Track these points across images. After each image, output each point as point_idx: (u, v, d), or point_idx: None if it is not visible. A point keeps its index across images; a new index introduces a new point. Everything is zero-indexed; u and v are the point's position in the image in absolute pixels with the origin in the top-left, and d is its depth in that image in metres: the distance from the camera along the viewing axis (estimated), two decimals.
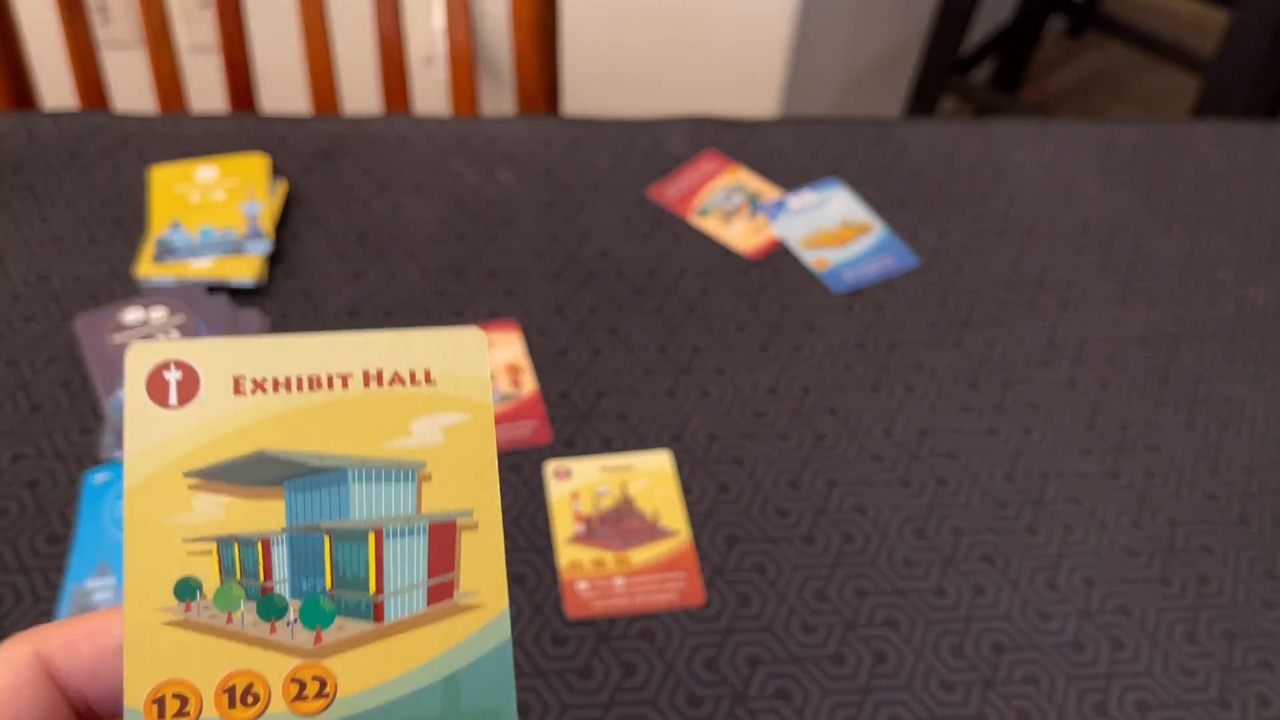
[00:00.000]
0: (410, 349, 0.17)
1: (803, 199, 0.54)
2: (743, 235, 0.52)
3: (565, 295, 0.49)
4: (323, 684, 0.16)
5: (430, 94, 1.13)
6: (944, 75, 1.21)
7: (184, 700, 0.16)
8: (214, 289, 0.47)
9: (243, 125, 0.54)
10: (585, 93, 1.14)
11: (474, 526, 0.17)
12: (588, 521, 0.40)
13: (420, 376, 0.17)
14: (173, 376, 0.16)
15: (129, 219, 0.50)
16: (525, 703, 0.36)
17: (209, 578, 0.16)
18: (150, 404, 0.16)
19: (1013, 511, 0.42)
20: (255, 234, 0.48)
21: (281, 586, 0.16)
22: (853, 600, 0.39)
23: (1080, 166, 0.58)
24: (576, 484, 0.42)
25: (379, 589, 0.16)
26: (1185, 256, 0.54)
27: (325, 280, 0.48)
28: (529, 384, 0.45)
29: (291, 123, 0.55)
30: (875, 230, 0.53)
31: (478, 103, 0.71)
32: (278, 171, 0.53)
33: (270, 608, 0.16)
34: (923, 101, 1.25)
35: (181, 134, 0.54)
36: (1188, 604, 0.40)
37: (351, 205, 0.52)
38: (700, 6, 1.07)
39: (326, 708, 0.16)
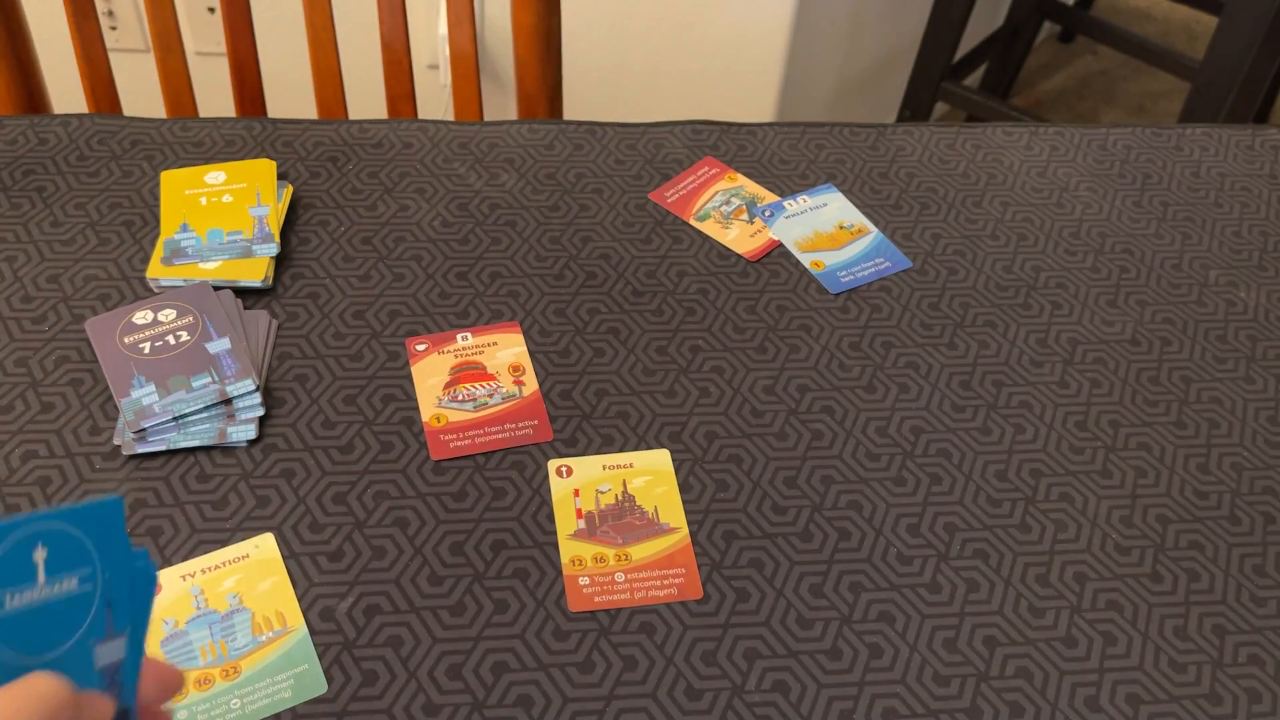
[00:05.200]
0: None
1: (799, 202, 0.55)
2: (740, 238, 0.53)
3: (567, 297, 0.49)
4: None
5: (434, 99, 1.14)
6: (937, 81, 1.22)
7: None
8: (222, 290, 0.47)
9: (250, 130, 0.55)
10: (586, 98, 1.15)
11: None
12: (589, 518, 0.41)
13: None
14: None
15: (137, 222, 0.51)
16: (528, 696, 0.36)
17: None
18: None
19: (1005, 509, 0.43)
20: (263, 236, 0.49)
21: None
22: (848, 596, 0.40)
23: (1072, 170, 0.59)
24: (578, 481, 0.42)
25: None
26: (1176, 258, 0.54)
27: (331, 282, 0.49)
28: (531, 384, 0.46)
29: (298, 127, 0.56)
30: (870, 233, 0.54)
31: (481, 108, 0.71)
32: (284, 176, 0.54)
33: None
34: (917, 106, 1.26)
35: (190, 138, 0.55)
36: (1179, 600, 0.40)
37: (357, 209, 0.52)
38: (698, 14, 1.08)
39: None
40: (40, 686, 0.23)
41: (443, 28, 1.06)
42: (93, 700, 0.24)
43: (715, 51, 1.11)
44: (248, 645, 0.37)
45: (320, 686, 0.36)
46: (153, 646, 0.36)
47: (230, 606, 0.38)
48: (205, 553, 0.39)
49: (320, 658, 0.37)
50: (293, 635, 0.37)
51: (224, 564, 0.39)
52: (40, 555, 0.24)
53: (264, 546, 0.39)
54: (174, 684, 0.27)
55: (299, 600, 0.38)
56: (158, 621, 0.37)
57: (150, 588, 0.26)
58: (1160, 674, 0.38)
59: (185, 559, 0.39)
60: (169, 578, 0.38)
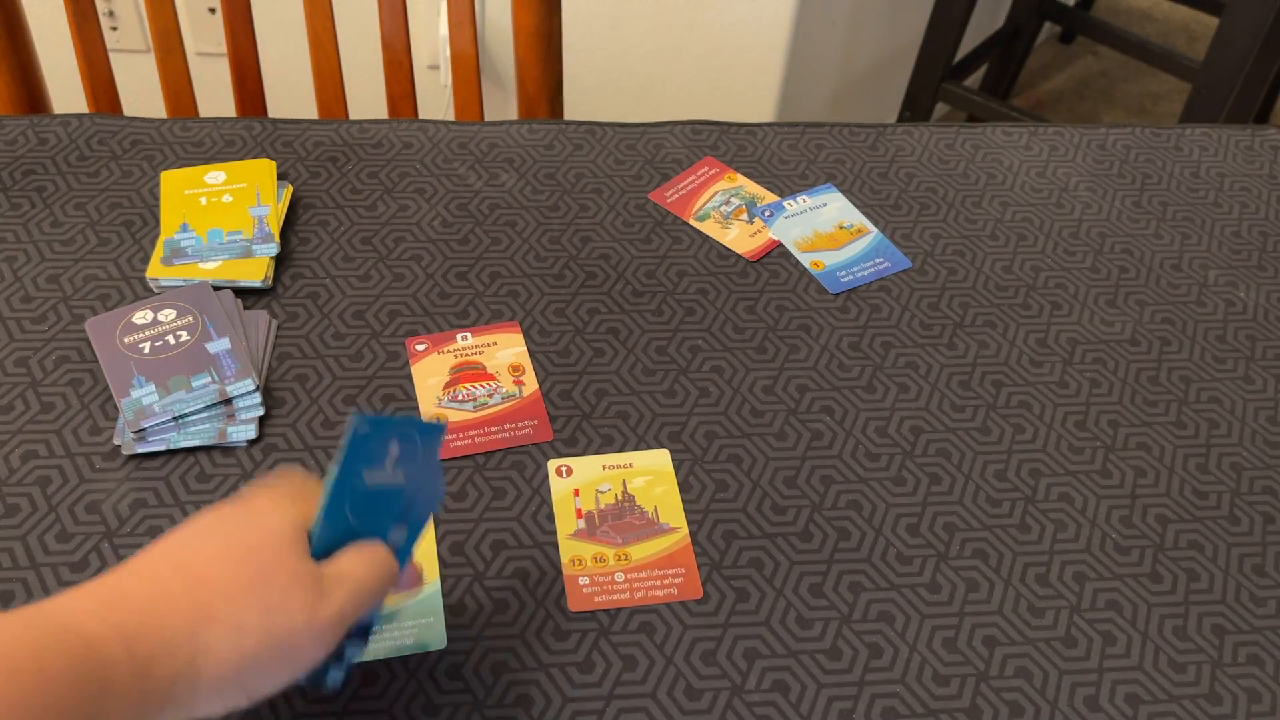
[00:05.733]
0: None
1: (799, 202, 0.55)
2: (740, 238, 0.53)
3: (566, 297, 0.49)
4: None
5: (435, 99, 1.14)
6: (938, 81, 1.22)
7: None
8: (222, 290, 0.47)
9: (250, 130, 0.55)
10: (586, 99, 1.15)
11: None
12: (589, 518, 0.41)
13: None
14: None
15: (137, 222, 0.51)
16: (528, 695, 0.36)
17: None
18: None
19: (1005, 509, 0.43)
20: (263, 236, 0.49)
21: None
22: (848, 595, 0.40)
23: (1072, 170, 0.59)
24: (578, 481, 0.42)
25: None
26: (1175, 258, 0.55)
27: (331, 282, 0.49)
28: (531, 384, 0.46)
29: (298, 127, 0.56)
30: (870, 233, 0.54)
31: (481, 108, 0.72)
32: (284, 176, 0.54)
33: None
34: (917, 107, 1.26)
35: (190, 139, 0.55)
36: (1178, 600, 0.40)
37: (357, 209, 0.52)
38: (698, 14, 1.08)
39: None
40: (386, 552, 0.31)
41: (443, 28, 1.06)
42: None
43: (715, 51, 1.11)
44: None
45: (440, 642, 0.37)
46: None
47: None
48: None
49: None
50: (426, 587, 0.38)
51: None
52: (394, 450, 0.31)
53: None
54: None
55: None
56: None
57: (434, 504, 0.34)
58: (1160, 674, 0.38)
59: None
60: None
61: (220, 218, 0.50)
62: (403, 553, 0.33)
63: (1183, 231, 0.56)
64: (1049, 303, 0.51)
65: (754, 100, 1.15)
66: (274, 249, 0.49)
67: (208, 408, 0.42)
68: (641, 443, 0.44)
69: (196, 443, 0.42)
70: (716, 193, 0.55)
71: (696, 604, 0.39)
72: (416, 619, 0.37)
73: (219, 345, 0.44)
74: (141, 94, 0.99)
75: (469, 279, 0.50)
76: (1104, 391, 0.48)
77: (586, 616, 0.38)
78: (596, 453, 0.43)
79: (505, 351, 0.47)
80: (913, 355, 0.48)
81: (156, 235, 0.50)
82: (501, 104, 1.16)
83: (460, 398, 0.45)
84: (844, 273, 0.52)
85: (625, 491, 0.42)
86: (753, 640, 0.38)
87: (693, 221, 0.53)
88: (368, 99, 1.07)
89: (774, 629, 0.38)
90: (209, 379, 0.43)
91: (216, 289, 0.47)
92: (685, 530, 0.41)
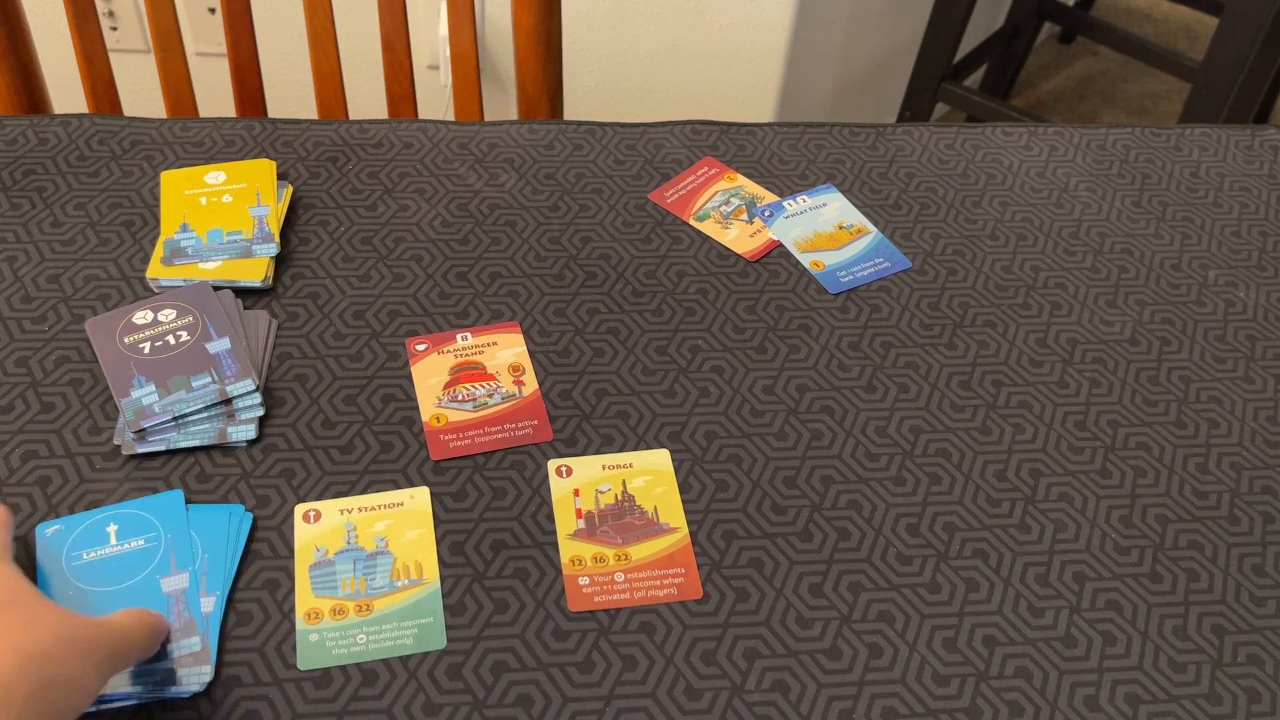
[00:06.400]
0: None
1: (799, 202, 0.55)
2: (740, 238, 0.53)
3: (567, 297, 0.49)
4: None
5: (435, 100, 1.14)
6: (938, 81, 1.23)
7: None
8: (222, 290, 0.47)
9: (250, 130, 0.55)
10: (586, 99, 1.15)
11: None
12: (589, 518, 0.41)
13: None
14: None
15: (137, 222, 0.51)
16: (528, 695, 0.36)
17: None
18: None
19: (1005, 509, 0.43)
20: (263, 236, 0.49)
21: None
22: (848, 595, 0.40)
23: (1071, 170, 0.59)
24: (578, 481, 0.42)
25: None
26: (1175, 258, 0.55)
27: (331, 282, 0.49)
28: (531, 384, 0.46)
29: (298, 127, 0.56)
30: (870, 233, 0.54)
31: (481, 108, 0.72)
32: (284, 176, 0.54)
33: None
34: (917, 107, 1.26)
35: (190, 138, 0.55)
36: (1178, 600, 0.41)
37: (357, 209, 0.52)
38: (698, 14, 1.08)
39: None
40: (110, 619, 0.34)
41: (443, 28, 1.06)
42: (144, 614, 0.35)
43: (715, 51, 1.11)
44: (384, 587, 0.38)
45: (440, 642, 0.37)
46: (300, 582, 0.39)
47: (376, 548, 0.39)
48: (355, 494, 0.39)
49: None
50: (426, 587, 0.38)
51: (379, 507, 0.40)
52: (112, 529, 0.38)
53: (418, 499, 0.41)
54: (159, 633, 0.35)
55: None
56: (311, 546, 0.39)
57: (240, 538, 0.39)
58: (1160, 674, 0.38)
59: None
60: (329, 509, 0.40)
61: (220, 218, 0.50)
62: (194, 587, 0.37)
63: (1183, 231, 0.56)
64: (1049, 303, 0.51)
65: (754, 100, 1.15)
66: (274, 249, 0.49)
67: (208, 408, 0.42)
68: (641, 443, 0.44)
69: (196, 443, 0.42)
70: (716, 193, 0.55)
71: (696, 604, 0.39)
72: (416, 619, 0.37)
73: (219, 345, 0.44)
74: (141, 94, 0.99)
75: (469, 279, 0.50)
76: (1104, 391, 0.48)
77: (586, 616, 0.38)
78: (596, 453, 0.43)
79: (505, 351, 0.47)
80: (913, 355, 0.48)
81: (156, 235, 0.50)
82: (501, 104, 1.16)
83: (460, 398, 0.45)
84: (844, 273, 0.52)
85: (625, 491, 0.42)
86: (753, 640, 0.38)
87: (693, 221, 0.54)
88: (368, 99, 1.07)
89: (774, 629, 0.38)
90: (209, 379, 0.43)
91: (216, 289, 0.47)
92: (685, 530, 0.41)
